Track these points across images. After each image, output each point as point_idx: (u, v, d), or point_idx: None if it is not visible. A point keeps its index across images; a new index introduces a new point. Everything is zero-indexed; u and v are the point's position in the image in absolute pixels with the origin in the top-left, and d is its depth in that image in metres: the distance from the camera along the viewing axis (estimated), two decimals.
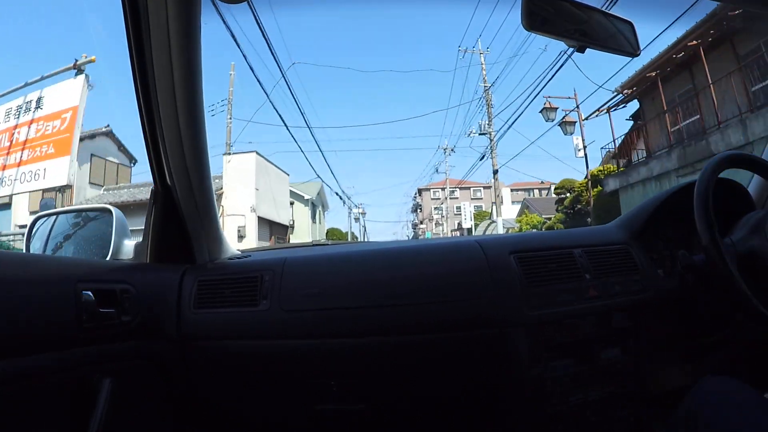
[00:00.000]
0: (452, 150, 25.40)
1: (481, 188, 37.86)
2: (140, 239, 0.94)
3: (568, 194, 14.69)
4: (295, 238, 19.74)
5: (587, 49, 0.80)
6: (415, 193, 45.96)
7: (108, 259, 0.92)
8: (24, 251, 1.06)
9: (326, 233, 27.54)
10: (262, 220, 13.93)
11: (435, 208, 38.00)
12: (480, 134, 14.46)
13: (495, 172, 13.76)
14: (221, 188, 12.88)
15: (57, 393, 0.64)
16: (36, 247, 1.06)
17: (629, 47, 0.82)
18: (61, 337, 0.65)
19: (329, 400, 0.84)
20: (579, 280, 0.86)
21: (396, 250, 0.95)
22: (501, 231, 13.35)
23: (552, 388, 0.82)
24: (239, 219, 12.98)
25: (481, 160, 14.67)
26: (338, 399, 0.83)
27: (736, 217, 0.89)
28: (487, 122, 13.98)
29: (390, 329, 0.81)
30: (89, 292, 0.69)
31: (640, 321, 0.88)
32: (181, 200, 0.86)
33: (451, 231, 29.03)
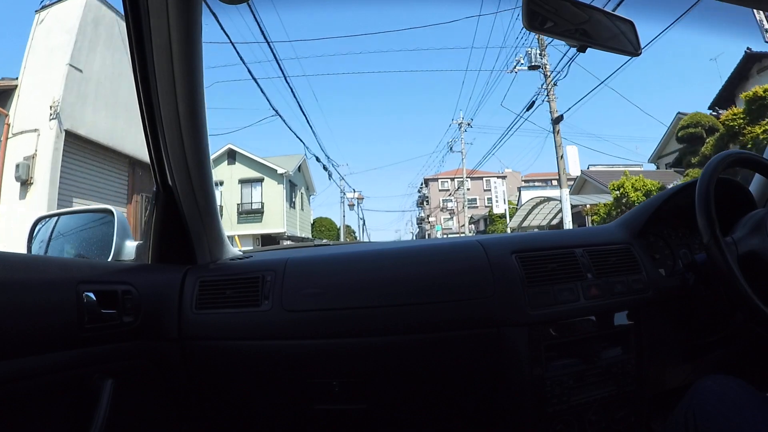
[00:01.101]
0: (469, 124, 20.52)
1: (494, 178, 32.61)
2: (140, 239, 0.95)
3: (706, 136, 9.51)
4: (263, 227, 15.85)
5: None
6: (421, 184, 39.55)
7: (109, 260, 0.92)
8: (25, 253, 1.06)
9: (312, 223, 22.56)
10: (90, 146, 6.78)
11: (443, 200, 34.38)
12: (529, 68, 10.09)
13: (555, 120, 9.41)
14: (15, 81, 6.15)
15: (59, 394, 0.64)
16: (37, 249, 1.06)
17: (630, 47, 0.83)
18: (62, 338, 0.65)
19: (330, 400, 0.84)
20: (580, 280, 0.86)
21: (398, 250, 0.95)
22: (568, 212, 9.16)
23: (552, 387, 0.82)
24: (27, 142, 6.00)
25: (528, 109, 9.77)
26: (339, 399, 0.83)
27: (738, 216, 0.89)
28: (537, 51, 9.93)
29: (392, 329, 0.81)
30: (91, 293, 0.69)
31: (641, 320, 0.88)
32: (183, 200, 0.87)
33: (469, 223, 23.86)
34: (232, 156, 16.76)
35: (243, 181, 16.56)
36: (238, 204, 16.30)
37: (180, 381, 0.83)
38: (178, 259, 0.91)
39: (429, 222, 36.05)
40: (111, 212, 0.99)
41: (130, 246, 0.95)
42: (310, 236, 18.95)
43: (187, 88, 0.74)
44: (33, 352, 0.60)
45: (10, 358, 0.57)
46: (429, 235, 34.54)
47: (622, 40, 0.82)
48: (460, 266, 0.86)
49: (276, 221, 16.24)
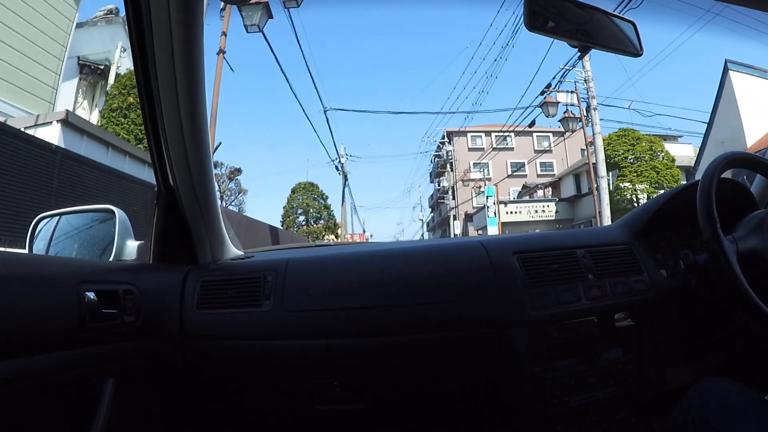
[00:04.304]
0: None
1: (549, 134, 21.21)
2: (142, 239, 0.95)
3: None
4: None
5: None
6: (441, 140, 24.83)
7: (111, 259, 0.93)
8: (27, 252, 1.06)
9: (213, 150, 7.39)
10: None
11: (473, 164, 22.11)
12: None
13: None
14: None
15: (59, 394, 0.64)
16: (39, 248, 1.06)
17: (632, 47, 0.82)
18: (63, 337, 0.65)
19: (331, 400, 0.84)
20: (582, 281, 0.86)
21: (399, 250, 0.95)
22: None
23: (553, 388, 0.82)
24: None
25: None
26: (340, 399, 0.83)
27: (740, 217, 0.89)
28: None
29: (393, 329, 0.81)
30: (92, 293, 0.69)
31: (643, 321, 0.88)
32: (184, 201, 0.87)
33: (522, 194, 15.92)
34: None
35: None
36: None
37: (181, 381, 0.83)
38: (180, 259, 0.92)
39: (466, 182, 22.65)
40: (113, 212, 0.99)
41: (132, 246, 0.95)
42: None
43: (188, 89, 0.75)
44: (34, 351, 0.60)
45: (11, 358, 0.57)
46: (454, 218, 22.54)
47: (624, 41, 0.82)
48: (461, 266, 0.86)
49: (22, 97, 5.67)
